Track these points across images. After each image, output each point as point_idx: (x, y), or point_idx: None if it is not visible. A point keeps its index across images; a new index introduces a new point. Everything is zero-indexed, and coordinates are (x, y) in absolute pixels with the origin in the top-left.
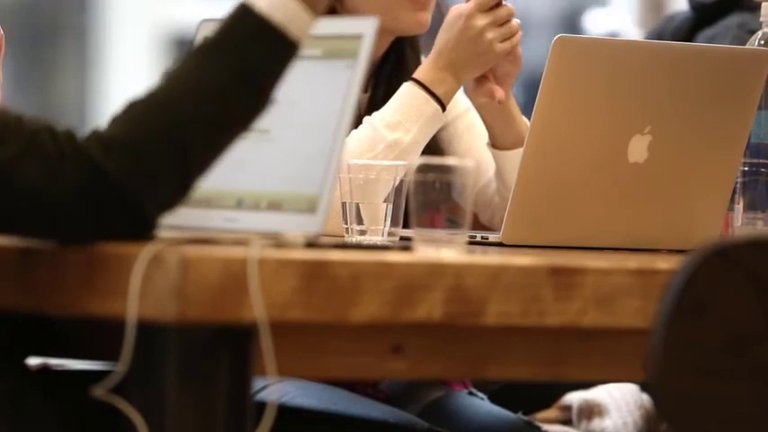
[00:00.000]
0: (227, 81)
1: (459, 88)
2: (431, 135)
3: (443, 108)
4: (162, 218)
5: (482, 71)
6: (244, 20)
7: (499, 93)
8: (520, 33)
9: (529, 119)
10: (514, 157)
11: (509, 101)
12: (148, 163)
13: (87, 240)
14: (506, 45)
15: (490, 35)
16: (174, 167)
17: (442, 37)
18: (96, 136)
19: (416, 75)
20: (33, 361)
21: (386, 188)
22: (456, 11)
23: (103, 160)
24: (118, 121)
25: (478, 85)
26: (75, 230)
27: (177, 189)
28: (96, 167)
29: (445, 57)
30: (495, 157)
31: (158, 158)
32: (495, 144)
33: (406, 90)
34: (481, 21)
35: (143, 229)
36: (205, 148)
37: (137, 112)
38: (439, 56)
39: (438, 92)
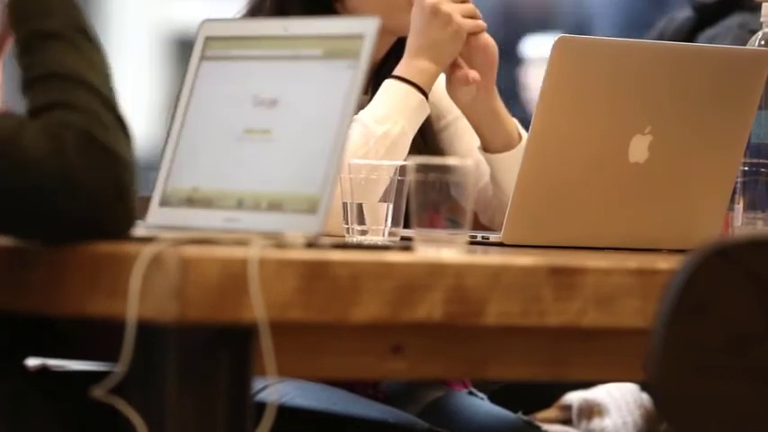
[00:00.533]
0: (77, 43)
1: (439, 72)
2: (419, 124)
3: (427, 96)
4: (134, 166)
5: (455, 48)
6: None
7: (472, 73)
8: (483, 23)
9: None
10: (506, 160)
11: (494, 101)
12: (107, 124)
13: (98, 214)
14: (470, 22)
15: (447, 8)
16: (111, 114)
17: (410, 31)
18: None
19: (395, 72)
20: (32, 362)
21: (384, 187)
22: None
23: (88, 127)
24: (44, 111)
25: (452, 74)
26: (86, 202)
27: (123, 131)
28: (90, 135)
29: (416, 45)
30: (487, 161)
31: (101, 111)
32: (486, 147)
33: (388, 86)
34: None
35: (135, 187)
36: (109, 91)
37: (52, 98)
38: (410, 47)
39: (419, 81)
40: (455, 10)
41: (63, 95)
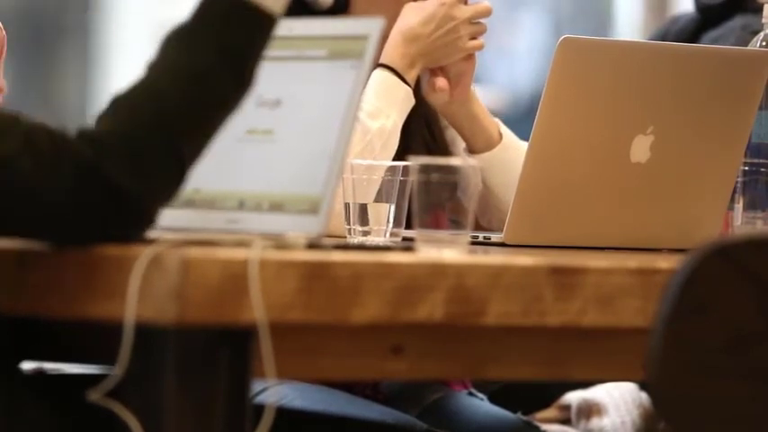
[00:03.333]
0: (208, 64)
1: None
2: (406, 114)
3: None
4: (160, 210)
5: (447, 62)
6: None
7: (440, 83)
8: (483, 44)
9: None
10: (487, 160)
11: (472, 105)
12: (139, 155)
13: (85, 241)
14: (471, 44)
15: (463, 30)
16: (164, 156)
17: (418, 17)
18: (84, 134)
19: (387, 60)
20: (29, 365)
21: (385, 187)
22: None
23: (95, 158)
24: (104, 117)
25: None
26: (72, 231)
27: (171, 178)
28: (90, 166)
29: (420, 44)
30: None
31: (148, 150)
32: (467, 148)
33: (379, 77)
34: (462, 14)
35: (142, 225)
36: (193, 133)
37: (121, 105)
38: (415, 39)
39: (408, 78)
40: (468, 34)
41: (128, 113)
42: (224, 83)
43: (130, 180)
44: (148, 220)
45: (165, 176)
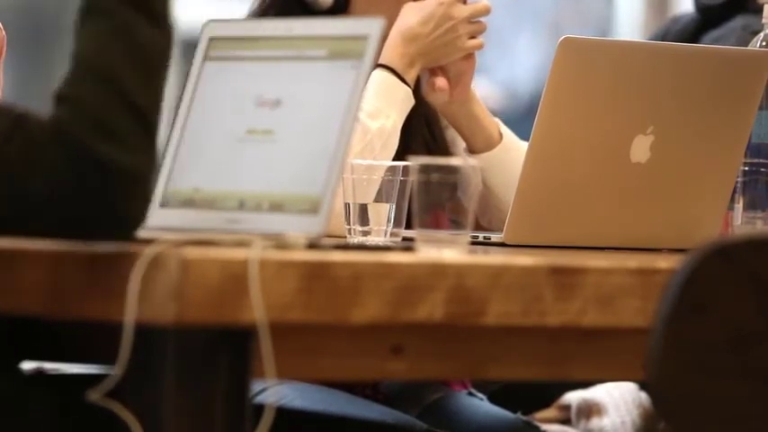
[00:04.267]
0: (123, 17)
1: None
2: (406, 115)
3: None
4: (150, 175)
5: (447, 61)
6: None
7: (440, 82)
8: (483, 43)
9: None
10: (488, 160)
11: (472, 105)
12: (100, 117)
13: (86, 226)
14: (470, 44)
15: (462, 30)
16: (123, 112)
17: (417, 17)
18: (52, 120)
19: (387, 60)
20: (28, 365)
21: (385, 187)
22: None
23: (85, 139)
24: (55, 99)
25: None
26: (72, 216)
27: (141, 135)
28: (80, 147)
29: (419, 43)
30: None
31: (105, 109)
32: (467, 148)
33: (379, 77)
34: (461, 13)
35: (136, 191)
36: (138, 82)
37: (64, 87)
38: (414, 39)
39: (407, 78)
40: (467, 33)
41: (73, 89)
42: (143, 29)
43: (116, 153)
44: (143, 188)
45: (135, 134)
